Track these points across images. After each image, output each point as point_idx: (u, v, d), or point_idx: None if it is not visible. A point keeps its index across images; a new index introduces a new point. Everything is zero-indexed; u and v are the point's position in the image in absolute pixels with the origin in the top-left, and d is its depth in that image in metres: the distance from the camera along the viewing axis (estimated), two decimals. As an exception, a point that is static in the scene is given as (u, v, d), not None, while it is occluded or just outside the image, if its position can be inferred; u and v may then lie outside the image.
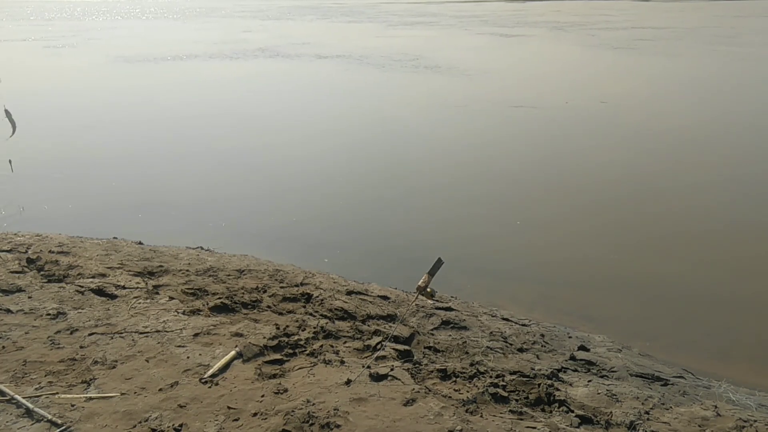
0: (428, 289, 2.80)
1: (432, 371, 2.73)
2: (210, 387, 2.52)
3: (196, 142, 8.44)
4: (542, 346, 3.32)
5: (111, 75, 14.63)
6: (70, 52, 19.19)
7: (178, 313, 3.19)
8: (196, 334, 2.95)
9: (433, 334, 3.29)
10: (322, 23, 31.43)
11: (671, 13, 34.25)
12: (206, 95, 12.08)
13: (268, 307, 3.36)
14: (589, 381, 2.84)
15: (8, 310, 3.11)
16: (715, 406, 2.68)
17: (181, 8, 51.42)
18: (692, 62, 14.82)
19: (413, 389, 2.53)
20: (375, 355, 2.74)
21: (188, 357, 2.74)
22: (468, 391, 2.56)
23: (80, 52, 19.44)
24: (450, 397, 2.51)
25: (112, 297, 3.38)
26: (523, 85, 12.78)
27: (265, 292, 3.59)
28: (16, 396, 2.37)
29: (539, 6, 42.29)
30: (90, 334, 2.90)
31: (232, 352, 2.75)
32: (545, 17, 32.06)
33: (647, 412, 2.54)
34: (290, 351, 2.83)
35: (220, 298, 3.37)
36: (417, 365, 2.78)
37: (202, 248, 4.62)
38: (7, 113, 4.12)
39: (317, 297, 3.54)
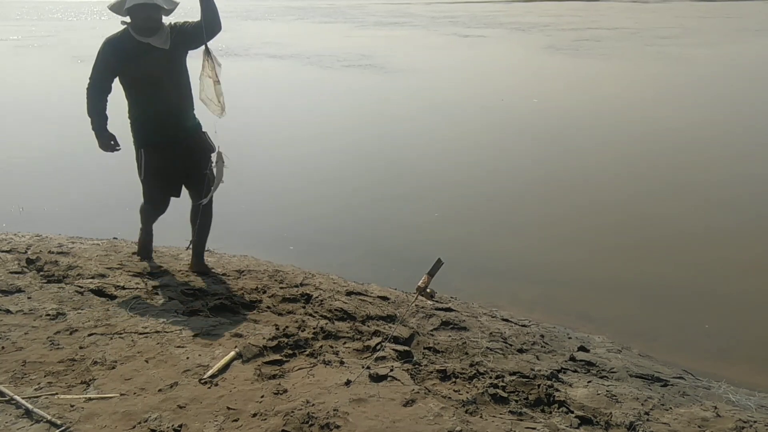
0: (428, 290, 2.79)
1: (432, 372, 2.73)
2: (209, 387, 2.51)
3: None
4: (542, 346, 3.32)
5: (67, 74, 14.79)
6: (38, 52, 19.49)
7: (177, 313, 3.18)
8: (195, 335, 2.95)
9: (432, 335, 3.28)
10: (298, 23, 31.62)
11: (641, 13, 34.90)
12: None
13: (268, 307, 3.36)
14: (589, 382, 2.84)
15: (8, 311, 3.10)
16: (715, 407, 2.68)
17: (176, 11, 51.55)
18: (619, 63, 15.19)
19: (413, 390, 2.53)
20: (375, 356, 2.74)
21: (188, 357, 2.73)
22: (468, 392, 2.56)
23: (47, 51, 19.67)
24: (450, 397, 2.51)
25: (112, 297, 3.38)
26: (457, 83, 13.24)
27: (264, 292, 3.59)
28: (16, 396, 2.36)
29: (520, 7, 42.59)
30: (89, 335, 2.90)
31: (232, 353, 2.75)
32: (517, 18, 32.40)
33: (647, 413, 2.54)
34: (290, 351, 2.83)
35: (219, 299, 3.37)
36: (417, 366, 2.78)
37: (201, 249, 4.61)
38: (219, 158, 3.40)
39: (317, 297, 3.54)
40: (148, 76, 3.25)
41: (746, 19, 28.70)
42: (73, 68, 15.69)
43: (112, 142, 3.40)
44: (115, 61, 3.26)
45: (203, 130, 3.56)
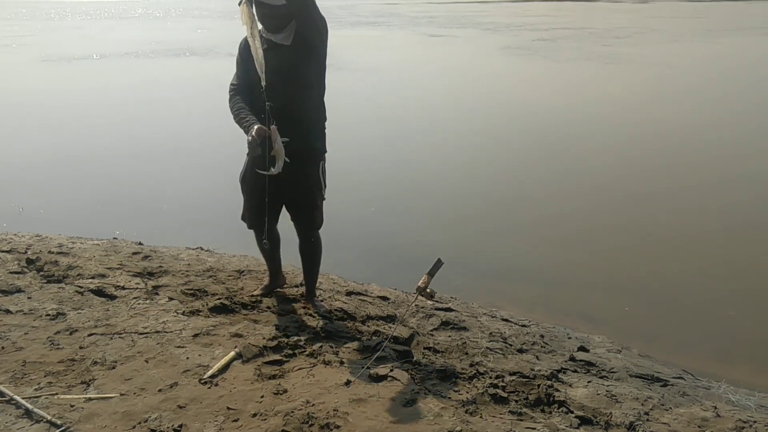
0: (428, 290, 2.79)
1: (431, 372, 2.73)
2: (209, 388, 2.51)
3: (188, 142, 8.44)
4: (542, 346, 3.32)
5: (31, 74, 15.05)
6: (11, 52, 19.80)
7: (177, 313, 3.18)
8: (195, 335, 2.95)
9: (432, 335, 3.29)
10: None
11: (615, 13, 35.75)
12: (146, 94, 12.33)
13: (268, 307, 3.36)
14: (589, 382, 2.84)
15: (8, 311, 3.10)
16: (715, 407, 2.68)
17: (167, 9, 51.44)
18: (559, 64, 15.41)
19: (413, 390, 2.53)
20: (375, 356, 2.74)
21: (188, 358, 2.73)
22: (468, 392, 2.56)
23: (20, 51, 19.94)
24: (450, 397, 2.51)
25: (112, 297, 3.38)
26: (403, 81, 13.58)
27: (264, 292, 3.58)
28: (16, 396, 2.36)
29: (505, 7, 42.76)
30: (89, 335, 2.90)
31: (232, 353, 2.75)
32: (495, 18, 32.75)
33: (647, 413, 2.54)
34: (290, 352, 2.83)
35: (219, 299, 3.37)
36: (417, 366, 2.78)
37: (202, 248, 4.62)
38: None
39: (317, 297, 3.53)
40: (266, 73, 2.77)
41: (711, 20, 29.15)
42: (37, 69, 15.88)
43: (256, 134, 2.72)
44: (244, 56, 2.93)
45: (324, 161, 3.11)
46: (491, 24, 28.54)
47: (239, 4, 2.70)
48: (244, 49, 2.93)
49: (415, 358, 2.88)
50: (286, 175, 2.94)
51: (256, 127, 2.75)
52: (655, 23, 27.18)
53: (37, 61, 17.03)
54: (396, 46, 20.59)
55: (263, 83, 2.74)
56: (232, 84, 3.03)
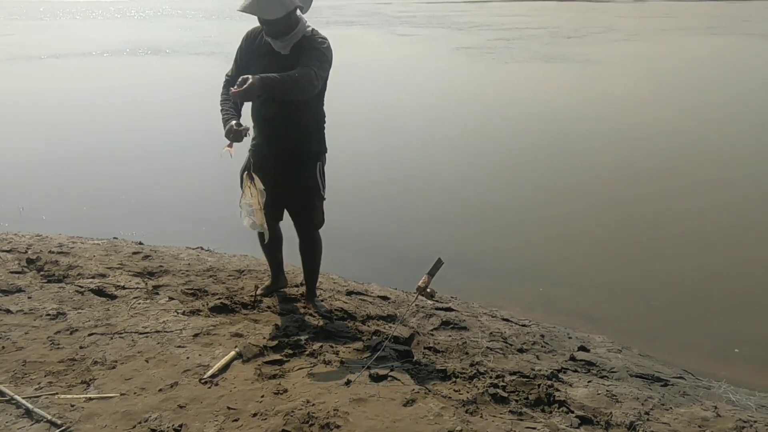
0: (428, 290, 2.79)
1: (432, 372, 2.73)
2: (210, 387, 2.51)
3: (190, 142, 8.44)
4: (542, 346, 3.32)
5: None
6: None
7: (177, 313, 3.18)
8: (195, 335, 2.95)
9: (433, 335, 3.29)
10: (255, 22, 31.65)
11: (592, 13, 35.96)
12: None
13: (268, 307, 3.36)
14: (589, 381, 2.84)
15: (8, 311, 3.10)
16: (715, 407, 2.68)
17: (159, 9, 51.34)
18: (502, 65, 15.43)
19: (413, 390, 2.53)
20: (375, 356, 2.74)
21: (188, 357, 2.73)
22: (468, 392, 2.56)
23: None
24: (450, 397, 2.51)
25: (112, 297, 3.38)
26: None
27: (264, 292, 3.58)
28: (16, 396, 2.36)
29: (489, 6, 42.69)
30: (90, 335, 2.90)
31: (232, 353, 2.75)
32: (472, 18, 32.68)
33: (647, 413, 2.54)
34: (290, 351, 2.83)
35: (220, 299, 3.37)
36: (417, 366, 2.78)
37: (202, 248, 4.62)
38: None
39: (317, 297, 3.53)
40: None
41: (681, 19, 29.07)
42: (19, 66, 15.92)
43: (235, 126, 2.79)
44: (243, 54, 2.99)
45: (323, 162, 3.13)
46: (466, 24, 28.47)
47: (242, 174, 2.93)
48: (245, 42, 2.98)
49: (415, 358, 2.88)
50: (284, 177, 3.03)
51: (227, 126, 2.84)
52: (620, 23, 27.17)
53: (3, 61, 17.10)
54: (359, 44, 20.56)
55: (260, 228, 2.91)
56: (227, 75, 3.07)
